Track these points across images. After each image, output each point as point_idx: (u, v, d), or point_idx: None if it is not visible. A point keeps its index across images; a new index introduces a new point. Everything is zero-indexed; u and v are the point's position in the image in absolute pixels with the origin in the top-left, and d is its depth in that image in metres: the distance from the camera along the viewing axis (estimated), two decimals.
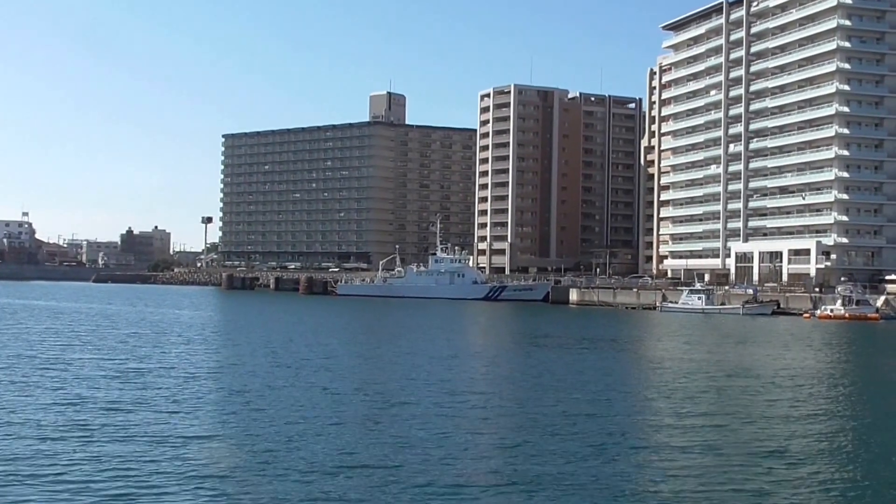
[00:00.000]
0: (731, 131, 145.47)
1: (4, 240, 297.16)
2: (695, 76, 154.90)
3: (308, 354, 46.42)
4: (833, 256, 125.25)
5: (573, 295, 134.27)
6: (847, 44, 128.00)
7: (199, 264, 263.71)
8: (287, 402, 29.34)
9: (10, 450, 21.08)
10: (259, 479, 19.07)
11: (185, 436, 23.18)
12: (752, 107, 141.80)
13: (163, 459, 20.38)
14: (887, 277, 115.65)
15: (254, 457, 21.10)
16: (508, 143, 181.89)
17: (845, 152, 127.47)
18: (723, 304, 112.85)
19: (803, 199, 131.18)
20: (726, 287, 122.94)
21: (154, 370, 37.74)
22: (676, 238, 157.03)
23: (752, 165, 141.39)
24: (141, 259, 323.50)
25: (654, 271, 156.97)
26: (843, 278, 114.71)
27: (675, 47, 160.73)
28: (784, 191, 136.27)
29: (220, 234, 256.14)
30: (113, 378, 34.51)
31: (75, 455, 20.66)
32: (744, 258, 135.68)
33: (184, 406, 28.13)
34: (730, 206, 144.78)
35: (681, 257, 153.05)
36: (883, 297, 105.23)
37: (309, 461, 20.52)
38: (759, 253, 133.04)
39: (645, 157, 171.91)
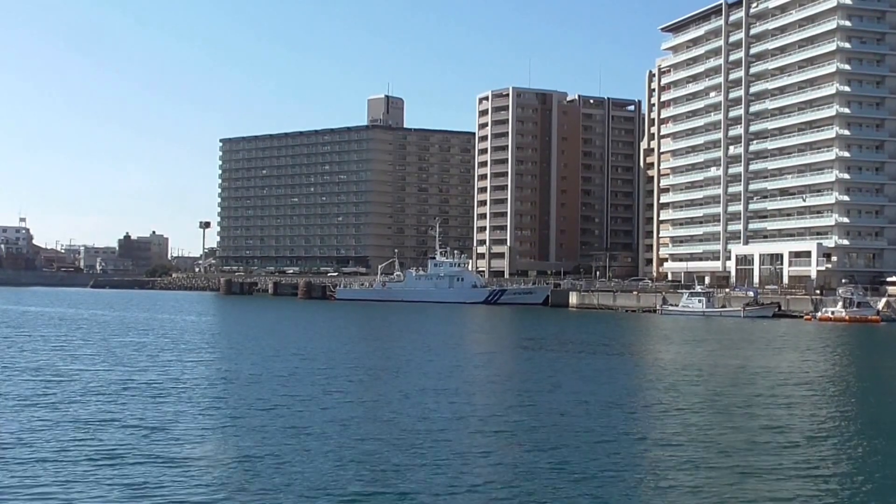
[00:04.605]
0: (730, 133, 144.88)
1: (2, 246, 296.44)
2: (694, 78, 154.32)
3: (314, 365, 45.77)
4: (834, 258, 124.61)
5: (573, 298, 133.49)
6: (847, 45, 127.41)
7: (197, 269, 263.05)
8: (299, 416, 28.48)
9: (31, 473, 20.04)
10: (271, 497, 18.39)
11: (195, 457, 22.34)
12: (752, 108, 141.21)
13: (181, 482, 19.48)
14: (888, 279, 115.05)
15: (260, 477, 20.40)
16: (507, 146, 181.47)
17: (846, 154, 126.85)
18: (723, 306, 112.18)
19: (804, 200, 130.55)
20: (727, 290, 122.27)
21: (163, 382, 36.74)
22: (676, 240, 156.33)
23: (752, 167, 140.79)
24: (139, 264, 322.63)
25: (654, 274, 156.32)
26: (844, 280, 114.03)
27: (675, 49, 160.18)
28: (784, 193, 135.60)
29: (219, 238, 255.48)
30: (127, 393, 33.16)
31: (94, 477, 19.73)
32: (744, 260, 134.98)
33: (196, 423, 27.18)
34: (730, 209, 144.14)
35: (681, 260, 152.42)
36: (884, 300, 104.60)
37: (326, 481, 19.85)
38: (760, 255, 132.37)
39: (644, 160, 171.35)
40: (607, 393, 35.24)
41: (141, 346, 54.89)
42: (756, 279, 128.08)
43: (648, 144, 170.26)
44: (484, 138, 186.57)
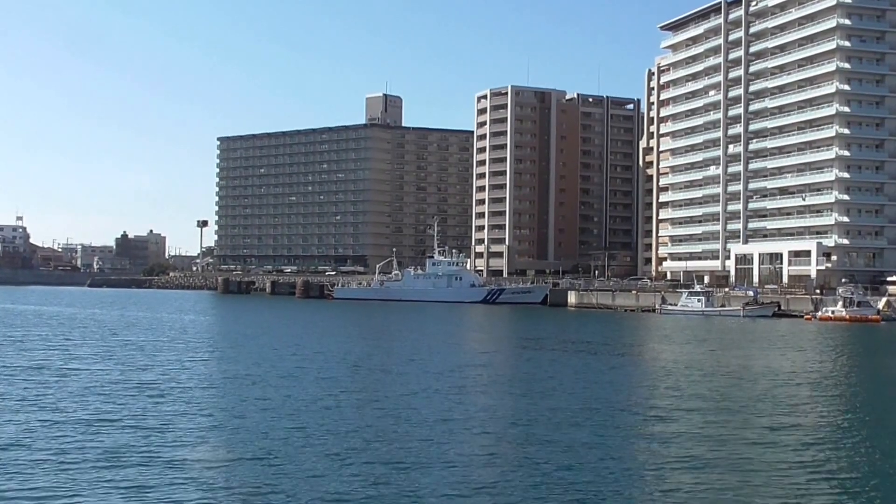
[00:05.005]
0: (730, 132, 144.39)
1: None
2: (693, 76, 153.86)
3: (314, 365, 45.35)
4: (834, 258, 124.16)
5: (572, 297, 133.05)
6: (847, 43, 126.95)
7: (194, 268, 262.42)
8: (299, 417, 28.03)
9: (28, 474, 19.64)
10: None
11: (194, 458, 21.92)
12: (752, 107, 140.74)
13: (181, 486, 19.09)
14: (888, 279, 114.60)
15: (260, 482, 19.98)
16: (506, 144, 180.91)
17: (846, 153, 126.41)
18: (723, 306, 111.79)
19: (803, 200, 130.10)
20: (726, 289, 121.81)
21: (162, 382, 36.27)
22: (676, 240, 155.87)
23: (751, 166, 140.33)
24: (136, 263, 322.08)
25: (654, 273, 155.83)
26: (843, 280, 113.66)
27: (674, 47, 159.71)
28: (784, 192, 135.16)
29: (216, 237, 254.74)
30: (126, 393, 32.62)
31: (93, 478, 19.36)
32: (744, 260, 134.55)
33: (196, 423, 26.70)
34: (729, 208, 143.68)
35: (680, 259, 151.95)
36: (884, 299, 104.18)
37: (327, 482, 19.56)
38: (760, 254, 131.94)
39: (643, 159, 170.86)
40: (610, 393, 34.94)
41: (140, 345, 54.45)
42: (756, 278, 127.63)
43: (647, 143, 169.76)
44: (482, 137, 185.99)
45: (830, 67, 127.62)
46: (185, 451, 22.21)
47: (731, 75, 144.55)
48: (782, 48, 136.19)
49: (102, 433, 24.31)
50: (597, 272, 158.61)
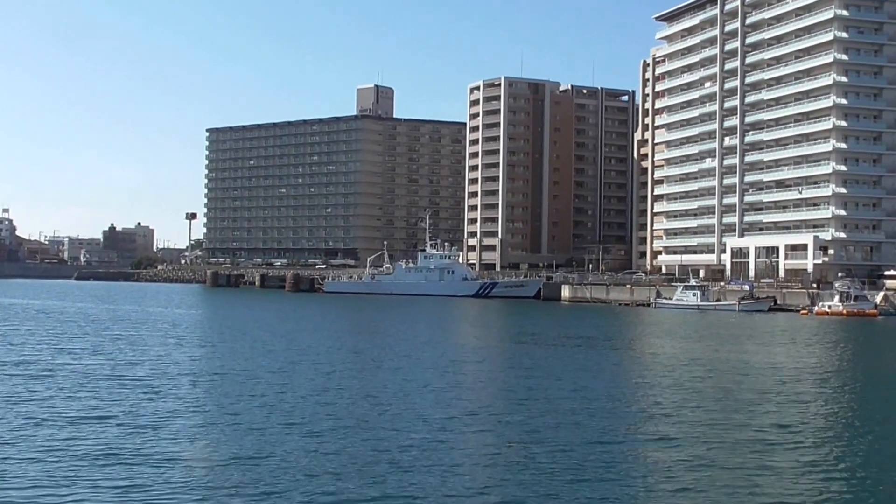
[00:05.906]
0: (726, 124, 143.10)
1: None
2: (689, 68, 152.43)
3: (307, 359, 43.89)
4: (831, 251, 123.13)
5: (565, 291, 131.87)
6: (844, 34, 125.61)
7: (183, 261, 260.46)
8: (293, 414, 26.78)
9: (18, 472, 18.79)
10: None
11: (186, 457, 20.80)
12: (748, 99, 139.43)
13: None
14: (886, 273, 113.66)
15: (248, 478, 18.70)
16: (499, 136, 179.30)
17: (843, 145, 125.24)
18: (718, 300, 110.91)
19: (800, 193, 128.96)
20: (722, 283, 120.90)
21: (153, 378, 34.90)
22: (671, 233, 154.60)
23: (747, 159, 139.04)
24: (124, 256, 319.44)
25: (648, 267, 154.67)
26: (840, 274, 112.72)
27: (669, 38, 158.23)
28: (780, 185, 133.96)
29: (205, 230, 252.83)
30: (116, 389, 31.34)
31: (82, 477, 18.55)
32: (739, 253, 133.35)
33: (188, 421, 25.45)
34: (725, 201, 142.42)
35: (675, 253, 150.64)
36: (881, 293, 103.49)
37: (322, 482, 18.68)
38: (756, 248, 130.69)
39: (638, 151, 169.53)
40: (613, 390, 33.84)
41: (130, 340, 53.13)
42: (751, 272, 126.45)
43: (642, 135, 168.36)
44: (475, 129, 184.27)
45: (828, 59, 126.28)
46: (176, 448, 21.42)
47: (727, 66, 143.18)
48: (779, 39, 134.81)
49: (92, 430, 23.46)
50: (591, 266, 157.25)
